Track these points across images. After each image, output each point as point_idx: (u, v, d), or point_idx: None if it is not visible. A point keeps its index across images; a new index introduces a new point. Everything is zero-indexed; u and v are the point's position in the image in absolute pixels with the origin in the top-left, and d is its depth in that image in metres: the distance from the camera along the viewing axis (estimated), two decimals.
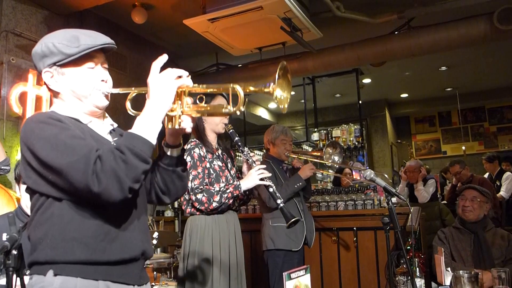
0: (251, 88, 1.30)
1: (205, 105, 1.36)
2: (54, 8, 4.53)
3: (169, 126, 1.34)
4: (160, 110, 1.26)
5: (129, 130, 1.24)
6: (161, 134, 1.34)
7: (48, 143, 1.22)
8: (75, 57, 1.33)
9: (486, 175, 6.38)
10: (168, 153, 1.46)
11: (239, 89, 1.27)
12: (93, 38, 1.36)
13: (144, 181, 1.39)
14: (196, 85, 1.33)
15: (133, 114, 1.36)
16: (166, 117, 1.31)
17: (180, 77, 1.29)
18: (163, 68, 1.34)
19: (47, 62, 1.36)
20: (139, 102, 1.31)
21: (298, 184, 3.21)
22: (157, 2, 4.78)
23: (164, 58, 1.32)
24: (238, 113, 1.29)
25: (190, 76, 1.32)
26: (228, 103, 1.28)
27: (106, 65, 1.44)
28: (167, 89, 1.26)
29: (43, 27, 4.49)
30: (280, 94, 1.34)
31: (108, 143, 1.39)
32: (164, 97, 1.25)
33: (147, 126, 1.23)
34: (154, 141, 1.24)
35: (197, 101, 1.37)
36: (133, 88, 1.40)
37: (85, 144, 1.22)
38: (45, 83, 1.41)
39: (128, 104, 1.42)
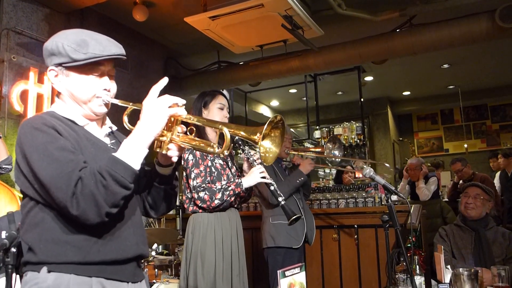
0: (241, 133, 1.32)
1: (194, 137, 1.37)
2: (55, 6, 4.54)
3: (157, 150, 1.36)
4: (148, 135, 1.26)
5: (114, 154, 1.25)
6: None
7: (37, 152, 1.23)
8: (80, 63, 1.32)
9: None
10: (159, 172, 1.47)
11: (226, 131, 1.27)
12: (102, 47, 1.34)
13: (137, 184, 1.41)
14: (189, 116, 1.34)
15: (128, 129, 1.37)
16: (155, 141, 1.32)
17: (176, 104, 1.30)
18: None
19: (54, 61, 1.36)
20: (137, 117, 1.32)
21: (300, 179, 3.22)
22: (158, 0, 4.78)
23: (164, 81, 1.32)
24: (221, 155, 1.30)
25: (184, 107, 1.32)
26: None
27: (113, 73, 1.43)
28: (159, 116, 1.27)
29: (44, 25, 4.49)
30: (268, 147, 1.36)
31: (104, 147, 1.40)
32: (154, 124, 1.26)
33: (132, 151, 1.24)
34: (137, 166, 1.25)
35: (187, 133, 1.38)
36: (131, 104, 1.40)
37: (71, 159, 1.23)
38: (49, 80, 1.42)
39: (125, 118, 1.43)
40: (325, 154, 3.55)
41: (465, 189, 3.13)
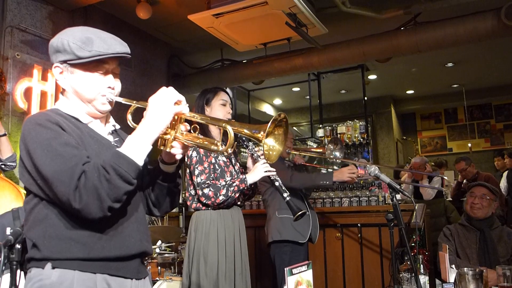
0: (245, 131, 1.32)
1: (198, 135, 1.37)
2: (59, 3, 4.54)
3: (161, 147, 1.36)
4: (152, 132, 1.27)
5: (118, 149, 1.25)
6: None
7: (40, 147, 1.23)
8: (84, 60, 1.32)
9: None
10: (163, 169, 1.47)
11: (230, 130, 1.28)
12: (107, 45, 1.34)
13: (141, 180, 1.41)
14: (192, 114, 1.35)
15: (132, 127, 1.37)
16: (159, 139, 1.33)
17: (180, 102, 1.31)
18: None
19: (59, 58, 1.36)
20: (141, 115, 1.33)
21: (325, 182, 3.16)
22: None
23: (179, 96, 1.32)
24: (225, 153, 1.31)
25: (188, 105, 1.33)
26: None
27: (117, 72, 1.43)
28: (164, 113, 1.27)
29: (48, 23, 4.49)
30: (272, 145, 1.36)
31: (107, 144, 1.41)
32: (159, 120, 1.27)
33: (136, 147, 1.25)
34: (141, 162, 1.25)
35: (191, 131, 1.38)
36: (134, 102, 1.40)
37: (75, 154, 1.23)
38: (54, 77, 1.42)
39: (129, 117, 1.44)
40: (326, 154, 3.53)
41: (471, 189, 3.11)
